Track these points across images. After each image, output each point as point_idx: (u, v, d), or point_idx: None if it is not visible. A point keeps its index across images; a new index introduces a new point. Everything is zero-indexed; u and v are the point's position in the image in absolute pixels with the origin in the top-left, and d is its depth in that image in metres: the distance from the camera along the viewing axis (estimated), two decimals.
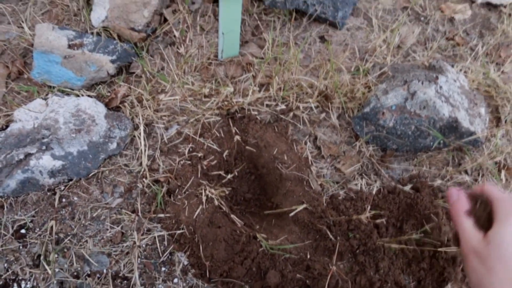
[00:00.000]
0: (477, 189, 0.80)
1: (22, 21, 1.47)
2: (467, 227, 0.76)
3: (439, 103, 1.21)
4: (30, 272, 1.16)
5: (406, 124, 1.23)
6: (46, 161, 1.19)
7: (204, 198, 1.20)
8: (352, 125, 1.33)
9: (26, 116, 1.26)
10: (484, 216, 0.75)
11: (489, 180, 1.23)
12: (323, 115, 1.35)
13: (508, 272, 0.67)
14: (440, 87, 1.24)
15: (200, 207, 1.18)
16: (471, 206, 0.78)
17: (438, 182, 1.26)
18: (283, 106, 1.35)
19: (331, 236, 1.16)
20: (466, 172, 1.28)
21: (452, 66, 1.43)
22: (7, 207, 1.21)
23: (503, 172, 1.28)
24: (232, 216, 1.18)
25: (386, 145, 1.29)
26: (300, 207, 1.18)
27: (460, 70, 1.47)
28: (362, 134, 1.30)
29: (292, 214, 1.18)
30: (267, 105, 1.35)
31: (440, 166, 1.30)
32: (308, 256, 1.15)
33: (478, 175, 1.30)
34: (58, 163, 1.20)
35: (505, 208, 0.74)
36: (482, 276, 0.70)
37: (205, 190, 1.21)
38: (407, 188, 1.24)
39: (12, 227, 1.19)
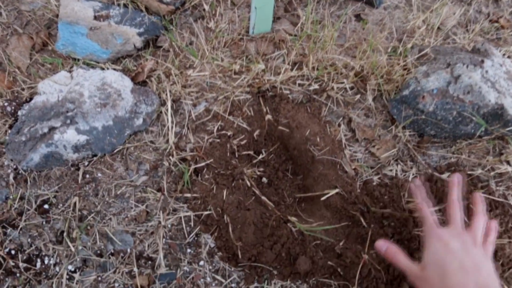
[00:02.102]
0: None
1: None
2: (404, 263, 0.94)
3: (485, 89, 1.14)
4: (53, 248, 1.13)
5: (447, 109, 1.17)
6: (70, 136, 1.15)
7: (233, 179, 1.15)
8: (388, 108, 1.27)
9: (51, 89, 1.22)
10: None
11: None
12: (358, 96, 1.29)
13: (442, 283, 0.84)
14: (486, 72, 1.17)
15: (229, 187, 1.14)
16: None
17: (478, 171, 1.19)
18: (316, 86, 1.29)
19: (364, 223, 1.10)
20: (508, 162, 1.21)
21: (496, 49, 1.35)
22: (30, 181, 1.18)
23: None
24: (263, 198, 1.13)
25: (423, 131, 1.23)
26: (333, 192, 1.13)
27: (504, 54, 1.39)
28: (399, 118, 1.24)
29: (324, 198, 1.13)
30: (299, 85, 1.29)
31: (480, 155, 1.23)
32: (340, 243, 1.10)
33: None
34: (82, 138, 1.16)
35: (426, 233, 0.95)
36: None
37: (234, 170, 1.16)
38: (445, 176, 1.18)
39: (36, 202, 1.16)
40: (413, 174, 1.19)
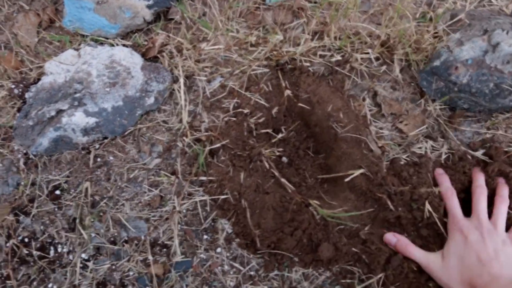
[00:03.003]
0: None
1: None
2: (419, 255, 0.96)
3: None
4: (66, 236, 1.10)
5: (483, 81, 1.07)
6: (79, 118, 1.10)
7: (251, 160, 1.09)
8: (417, 81, 1.17)
9: (58, 69, 1.16)
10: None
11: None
12: (384, 67, 1.19)
13: (461, 275, 0.87)
14: None
15: (246, 169, 1.07)
16: None
17: None
18: (339, 57, 1.20)
19: (391, 207, 1.03)
20: None
21: None
22: (41, 167, 1.14)
23: None
24: (283, 180, 1.07)
25: (456, 104, 1.13)
26: (357, 172, 1.05)
27: None
28: (429, 91, 1.14)
29: (348, 179, 1.05)
30: (320, 56, 1.20)
31: None
32: (366, 228, 1.03)
33: None
34: (91, 120, 1.11)
35: (449, 223, 0.96)
36: (444, 276, 0.90)
37: (252, 151, 1.09)
38: (479, 154, 1.09)
39: (47, 188, 1.12)
40: (444, 152, 1.10)
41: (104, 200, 1.10)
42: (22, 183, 1.13)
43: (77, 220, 1.09)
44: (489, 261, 0.85)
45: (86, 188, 1.11)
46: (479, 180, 1.00)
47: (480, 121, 1.15)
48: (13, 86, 1.18)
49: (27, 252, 1.09)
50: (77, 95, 1.11)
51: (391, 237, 1.00)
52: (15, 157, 1.15)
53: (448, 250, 0.92)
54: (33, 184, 1.13)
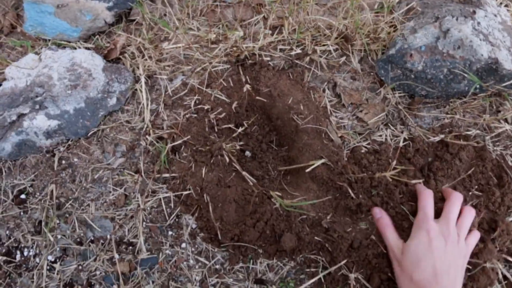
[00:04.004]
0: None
1: None
2: (391, 239, 0.96)
3: (476, 42, 1.06)
4: (32, 239, 1.10)
5: (437, 66, 1.09)
6: (40, 121, 1.10)
7: (212, 155, 1.10)
8: (375, 70, 1.19)
9: (18, 73, 1.16)
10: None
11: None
12: (343, 59, 1.21)
13: (412, 275, 0.88)
14: (478, 23, 1.08)
15: (208, 164, 1.08)
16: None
17: (473, 131, 1.12)
18: (298, 50, 1.21)
19: (352, 195, 1.05)
20: (505, 120, 1.14)
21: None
22: (5, 171, 1.14)
23: None
24: (244, 173, 1.08)
25: (414, 91, 1.15)
26: (318, 162, 1.06)
27: (501, 3, 1.29)
28: (387, 79, 1.16)
29: (309, 170, 1.07)
30: (280, 50, 1.22)
31: (476, 114, 1.15)
32: (328, 217, 1.04)
33: None
34: (53, 123, 1.11)
35: (416, 225, 0.95)
36: (399, 277, 0.91)
37: (213, 146, 1.10)
38: (438, 138, 1.11)
39: (12, 192, 1.13)
40: (404, 138, 1.11)
41: (70, 202, 1.10)
42: None
43: (43, 223, 1.09)
44: (441, 273, 0.85)
45: (52, 191, 1.11)
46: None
47: (439, 106, 1.17)
48: None
49: None
50: (38, 98, 1.11)
51: (377, 211, 1.01)
52: None
53: (409, 246, 0.91)
54: None
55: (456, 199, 0.96)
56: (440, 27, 1.09)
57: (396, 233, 0.97)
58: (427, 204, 0.95)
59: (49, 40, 1.27)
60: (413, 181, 1.02)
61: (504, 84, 1.10)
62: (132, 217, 1.09)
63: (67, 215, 1.10)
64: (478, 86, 1.10)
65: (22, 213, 1.11)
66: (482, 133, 1.12)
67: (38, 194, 1.12)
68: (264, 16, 1.26)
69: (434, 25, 1.10)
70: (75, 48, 1.24)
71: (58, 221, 1.09)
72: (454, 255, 0.89)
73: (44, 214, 1.09)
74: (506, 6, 1.29)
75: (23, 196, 1.12)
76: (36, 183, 1.13)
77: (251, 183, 1.07)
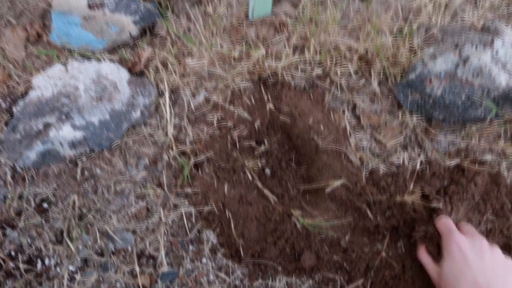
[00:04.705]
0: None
1: None
2: (427, 264, 0.96)
3: (495, 70, 1.09)
4: (53, 248, 1.11)
5: (456, 93, 1.12)
6: (66, 132, 1.12)
7: (234, 172, 1.12)
8: (394, 93, 1.22)
9: (45, 83, 1.18)
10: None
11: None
12: (362, 81, 1.24)
13: None
14: (496, 52, 1.11)
15: (230, 181, 1.11)
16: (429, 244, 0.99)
17: (488, 157, 1.15)
18: (319, 71, 1.24)
19: (370, 216, 1.07)
20: None
21: (507, 26, 1.29)
22: (28, 180, 1.16)
23: None
24: (266, 191, 1.10)
25: (431, 116, 1.18)
26: (338, 183, 1.09)
27: None
28: (405, 103, 1.19)
29: (328, 190, 1.09)
30: (302, 70, 1.24)
31: (491, 139, 1.18)
32: (346, 237, 1.07)
33: None
34: (79, 134, 1.13)
35: (444, 245, 0.92)
36: None
37: (235, 163, 1.12)
38: (454, 163, 1.14)
39: (34, 201, 1.14)
40: (421, 162, 1.14)
41: (92, 213, 1.12)
42: (9, 196, 1.15)
43: (65, 233, 1.11)
44: (486, 285, 0.81)
45: (74, 201, 1.13)
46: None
47: (455, 131, 1.20)
48: (0, 100, 1.20)
49: (13, 265, 1.10)
50: (65, 109, 1.13)
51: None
52: (1, 171, 1.17)
53: (445, 267, 0.89)
54: (20, 197, 1.15)
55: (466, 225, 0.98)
56: (460, 54, 1.12)
57: (429, 257, 0.97)
58: (448, 221, 0.96)
59: (74, 50, 1.29)
60: (432, 205, 1.05)
61: None
62: (153, 230, 1.10)
63: (89, 226, 1.12)
64: (495, 113, 1.13)
65: (44, 222, 1.13)
66: (497, 159, 1.15)
67: (60, 203, 1.14)
68: (286, 36, 1.29)
69: (454, 53, 1.13)
70: (99, 60, 1.26)
71: (79, 232, 1.11)
72: (495, 263, 0.85)
73: (66, 224, 1.11)
74: None
75: (45, 205, 1.14)
76: (59, 193, 1.14)
77: (272, 201, 1.09)
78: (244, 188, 1.10)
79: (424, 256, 0.97)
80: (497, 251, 0.90)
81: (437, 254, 0.96)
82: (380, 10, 1.35)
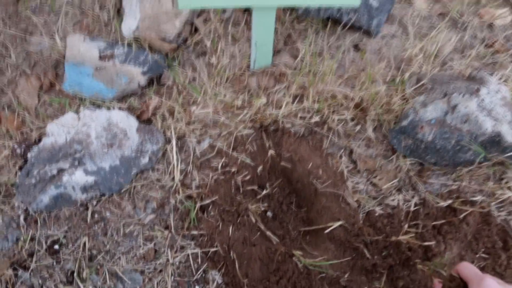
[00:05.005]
0: (455, 270, 0.87)
1: (54, 32, 1.47)
2: None
3: (481, 117, 1.16)
4: None
5: (446, 138, 1.19)
6: (79, 177, 1.19)
7: (238, 215, 1.18)
8: (388, 139, 1.29)
9: (59, 130, 1.25)
10: None
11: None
12: (358, 127, 1.32)
13: None
14: (482, 100, 1.19)
15: (234, 224, 1.16)
16: None
17: (479, 198, 1.21)
18: (317, 119, 1.32)
19: (368, 255, 1.12)
20: (509, 188, 1.23)
21: (492, 74, 1.38)
22: (40, 222, 1.21)
23: None
24: (268, 233, 1.16)
25: (424, 159, 1.25)
26: (336, 224, 1.15)
27: (500, 78, 1.41)
28: (399, 148, 1.26)
29: (327, 231, 1.15)
30: (301, 117, 1.32)
31: (481, 181, 1.25)
32: (345, 276, 1.12)
33: None
34: (90, 179, 1.19)
35: (473, 284, 0.81)
36: None
37: (239, 206, 1.18)
38: (446, 204, 1.20)
39: (46, 243, 1.19)
40: (415, 203, 1.20)
41: (101, 254, 1.17)
42: (22, 238, 1.20)
43: (75, 273, 1.15)
44: None
45: (84, 243, 1.18)
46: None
47: (446, 174, 1.27)
48: (16, 146, 1.27)
49: None
50: (77, 155, 1.20)
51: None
52: (15, 214, 1.22)
53: None
54: (32, 239, 1.20)
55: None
56: (449, 102, 1.20)
57: None
58: (473, 267, 0.85)
59: (85, 99, 1.37)
60: (426, 243, 1.10)
61: (506, 155, 1.20)
62: (161, 271, 1.15)
63: (99, 267, 1.16)
64: (483, 156, 1.20)
65: (55, 263, 1.17)
66: (487, 199, 1.21)
67: (71, 245, 1.19)
68: (286, 86, 1.37)
69: (443, 101, 1.21)
70: (109, 108, 1.34)
71: (89, 273, 1.15)
72: None
73: (76, 264, 1.16)
74: (505, 81, 1.41)
75: (56, 246, 1.19)
76: (69, 235, 1.20)
77: (274, 242, 1.15)
78: (247, 230, 1.16)
79: None
80: None
81: None
82: (374, 60, 1.45)
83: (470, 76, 1.32)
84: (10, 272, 1.17)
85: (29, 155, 1.24)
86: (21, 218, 1.22)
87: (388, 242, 1.12)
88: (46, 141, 1.24)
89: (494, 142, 1.18)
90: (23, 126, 1.35)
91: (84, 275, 1.15)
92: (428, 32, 1.53)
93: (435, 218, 1.18)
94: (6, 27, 1.52)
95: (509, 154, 1.20)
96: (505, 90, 1.28)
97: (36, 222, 1.21)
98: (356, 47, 1.50)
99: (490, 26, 1.60)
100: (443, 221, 1.17)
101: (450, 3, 1.64)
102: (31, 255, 1.18)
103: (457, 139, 1.19)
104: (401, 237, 1.11)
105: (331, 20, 1.51)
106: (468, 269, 0.86)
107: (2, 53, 1.48)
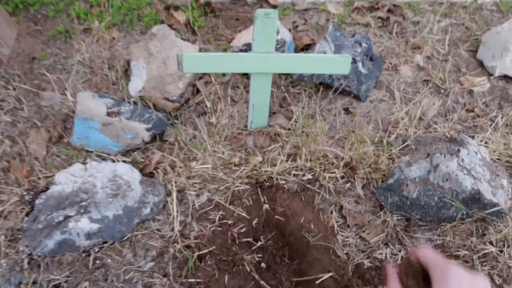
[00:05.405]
0: (413, 255, 0.76)
1: (65, 89, 1.58)
2: None
3: (461, 176, 1.25)
4: None
5: (429, 195, 1.28)
6: (84, 224, 1.25)
7: (234, 264, 1.24)
8: (376, 196, 1.38)
9: (66, 180, 1.33)
10: (420, 284, 0.73)
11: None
12: (348, 185, 1.40)
13: None
14: (462, 160, 1.29)
15: (230, 273, 1.22)
16: (406, 276, 0.75)
17: (463, 252, 1.28)
18: (309, 176, 1.41)
19: None
20: (491, 243, 1.30)
21: (473, 137, 1.49)
22: (43, 267, 1.26)
23: None
24: (262, 282, 1.21)
25: (410, 215, 1.33)
26: (327, 275, 1.21)
27: (481, 141, 1.52)
28: (386, 204, 1.34)
29: (318, 282, 1.21)
30: (294, 175, 1.41)
31: (464, 236, 1.32)
32: None
33: (504, 246, 1.32)
34: (95, 226, 1.26)
35: (439, 276, 0.67)
36: None
37: (235, 256, 1.25)
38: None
39: (47, 286, 1.23)
40: (401, 257, 1.27)
41: None
42: (24, 281, 1.24)
43: None
44: None
45: (85, 287, 1.23)
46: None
47: (431, 229, 1.34)
48: (24, 193, 1.34)
49: None
50: (83, 203, 1.27)
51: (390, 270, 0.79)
52: (19, 258, 1.27)
53: None
54: (34, 283, 1.24)
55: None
56: (431, 162, 1.30)
57: None
58: (435, 252, 0.73)
59: (92, 151, 1.45)
60: None
61: (486, 211, 1.28)
62: None
63: None
64: (464, 212, 1.28)
65: None
66: (471, 254, 1.28)
67: None
68: (280, 145, 1.47)
69: (426, 160, 1.31)
70: (114, 161, 1.42)
71: None
72: None
73: None
74: (486, 143, 1.51)
75: None
76: (71, 280, 1.24)
77: None
78: (242, 279, 1.22)
79: None
80: None
81: None
82: (363, 122, 1.56)
83: (452, 138, 1.43)
84: None
85: (37, 201, 1.31)
86: (25, 262, 1.27)
87: None
88: (54, 189, 1.32)
89: (475, 199, 1.26)
90: (32, 175, 1.43)
91: None
92: (413, 97, 1.65)
93: (422, 272, 1.24)
94: (21, 83, 1.63)
95: (489, 210, 1.28)
96: (484, 151, 1.38)
97: (39, 266, 1.26)
98: (347, 110, 1.62)
99: (470, 92, 1.73)
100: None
101: (433, 71, 1.78)
102: None
103: (439, 196, 1.27)
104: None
105: (323, 85, 1.63)
106: (430, 255, 0.73)
107: (16, 106, 1.58)
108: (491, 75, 1.82)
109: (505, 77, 1.82)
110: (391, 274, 0.77)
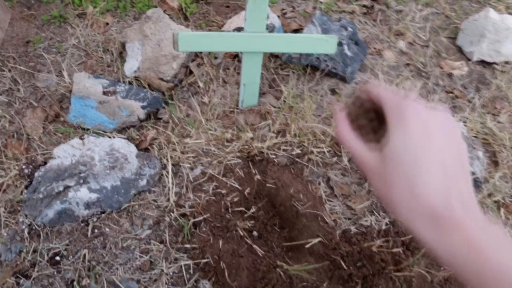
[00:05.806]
0: (364, 93, 0.62)
1: (62, 70, 1.63)
2: (356, 146, 0.58)
3: None
4: None
5: None
6: (83, 193, 1.30)
7: (228, 230, 1.30)
8: None
9: (65, 153, 1.38)
10: (373, 124, 0.60)
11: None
12: (335, 158, 1.48)
13: (405, 184, 0.49)
14: None
15: (224, 238, 1.28)
16: (357, 117, 0.62)
17: None
18: (298, 151, 1.48)
19: (344, 266, 1.25)
20: None
21: (453, 116, 1.57)
22: (43, 236, 1.31)
23: (502, 210, 1.39)
24: (254, 246, 1.28)
25: None
26: (316, 240, 1.28)
27: (460, 120, 1.61)
28: None
29: (308, 246, 1.27)
30: (283, 150, 1.48)
31: None
32: (324, 284, 1.23)
33: None
34: (93, 196, 1.31)
35: (393, 115, 0.55)
36: (384, 193, 0.53)
37: (228, 223, 1.31)
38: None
39: (47, 254, 1.28)
40: (385, 223, 1.35)
41: (100, 265, 1.27)
42: (25, 250, 1.29)
43: (75, 282, 1.24)
44: (457, 174, 0.50)
45: (84, 255, 1.27)
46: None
47: None
48: (23, 167, 1.39)
49: None
50: (82, 174, 1.32)
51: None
52: (19, 228, 1.32)
53: (394, 146, 0.52)
54: (34, 251, 1.29)
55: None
56: None
57: (360, 139, 0.59)
58: (389, 90, 0.59)
59: (88, 129, 1.51)
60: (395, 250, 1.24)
61: None
62: (156, 280, 1.25)
63: (97, 276, 1.26)
64: None
65: (55, 273, 1.26)
66: None
67: (71, 257, 1.28)
68: (270, 122, 1.54)
69: None
70: (110, 138, 1.48)
71: (89, 281, 1.25)
72: (462, 141, 0.54)
73: (76, 274, 1.25)
74: (464, 122, 1.60)
75: (57, 258, 1.28)
76: (70, 248, 1.29)
77: (260, 254, 1.27)
78: (236, 243, 1.28)
79: (349, 135, 0.60)
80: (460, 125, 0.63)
81: (371, 133, 0.61)
82: (348, 102, 1.63)
83: None
84: (12, 280, 1.25)
85: (36, 174, 1.36)
86: (25, 232, 1.32)
87: (363, 254, 1.26)
88: (53, 163, 1.36)
89: None
90: (29, 152, 1.47)
91: (84, 283, 1.24)
92: (396, 80, 1.73)
93: (404, 235, 1.31)
94: (17, 65, 1.68)
95: None
96: (461, 126, 1.47)
97: (39, 236, 1.31)
98: (333, 91, 1.69)
99: (450, 75, 1.82)
100: (410, 236, 1.31)
101: (415, 55, 1.87)
102: (33, 265, 1.27)
103: None
104: (374, 249, 1.25)
105: (311, 67, 1.70)
106: (385, 94, 0.58)
107: (12, 87, 1.63)
108: (469, 60, 1.92)
109: (482, 62, 1.92)
110: (340, 117, 0.63)
